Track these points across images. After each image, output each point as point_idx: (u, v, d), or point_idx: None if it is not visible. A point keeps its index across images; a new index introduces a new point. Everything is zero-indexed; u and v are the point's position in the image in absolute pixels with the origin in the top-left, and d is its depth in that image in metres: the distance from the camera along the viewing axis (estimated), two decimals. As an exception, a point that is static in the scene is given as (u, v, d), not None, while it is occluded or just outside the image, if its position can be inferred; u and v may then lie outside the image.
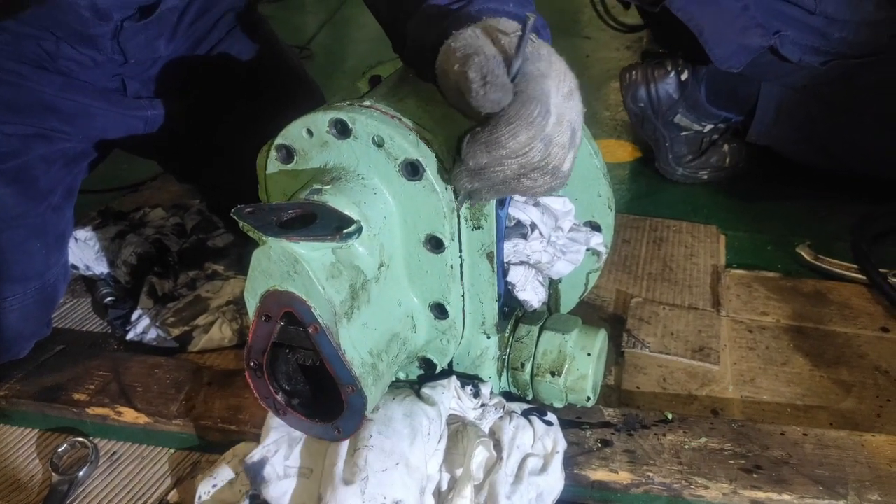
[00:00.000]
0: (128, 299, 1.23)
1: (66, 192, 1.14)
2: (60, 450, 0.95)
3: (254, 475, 0.79)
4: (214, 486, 0.86)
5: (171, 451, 0.96)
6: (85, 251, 1.29)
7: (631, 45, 2.49)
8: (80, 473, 0.92)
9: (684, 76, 1.56)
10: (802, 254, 1.30)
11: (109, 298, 1.24)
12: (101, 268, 1.29)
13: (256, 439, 0.91)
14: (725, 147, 1.61)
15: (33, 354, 1.08)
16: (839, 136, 1.49)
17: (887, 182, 1.43)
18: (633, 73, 1.61)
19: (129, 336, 1.16)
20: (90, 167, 1.23)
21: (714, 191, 1.58)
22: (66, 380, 1.03)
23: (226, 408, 0.96)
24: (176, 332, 1.14)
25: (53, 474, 0.92)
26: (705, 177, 1.62)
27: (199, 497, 0.85)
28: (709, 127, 1.60)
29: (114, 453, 0.97)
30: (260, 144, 0.83)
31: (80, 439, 0.96)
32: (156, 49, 1.17)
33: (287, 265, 0.67)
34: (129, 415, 0.97)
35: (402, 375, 0.89)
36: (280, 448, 0.81)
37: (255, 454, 0.80)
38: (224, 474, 0.87)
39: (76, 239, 1.30)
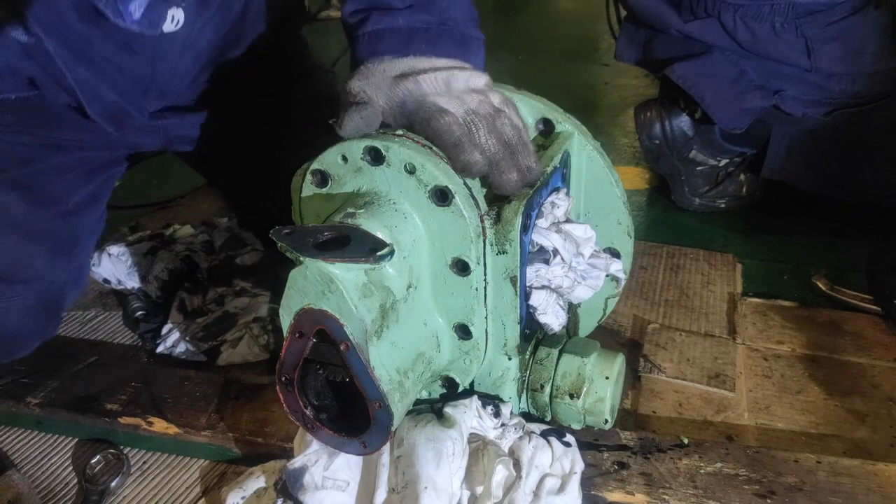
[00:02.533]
0: (158, 313, 1.27)
1: (85, 198, 1.14)
2: (93, 461, 0.98)
3: (293, 481, 0.82)
4: (243, 497, 0.89)
5: (200, 461, 0.99)
6: (117, 266, 1.34)
7: (649, 73, 2.52)
8: (113, 484, 0.95)
9: (698, 114, 1.60)
10: (818, 284, 1.32)
11: (140, 312, 1.28)
12: (132, 282, 1.33)
13: (283, 453, 0.94)
14: (742, 176, 1.64)
15: (67, 365, 1.12)
16: (851, 172, 1.51)
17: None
18: (648, 111, 1.65)
19: (160, 349, 1.20)
20: (117, 175, 1.23)
21: (731, 220, 1.61)
22: (98, 390, 1.07)
23: (253, 421, 0.99)
24: (204, 346, 1.17)
25: (86, 483, 0.95)
26: (723, 205, 1.64)
27: None
28: (724, 161, 1.63)
29: (144, 462, 1.00)
30: (289, 165, 0.87)
31: (112, 450, 1.00)
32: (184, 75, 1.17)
33: (322, 285, 0.71)
34: (159, 425, 1.00)
35: (424, 394, 0.92)
36: (320, 458, 0.83)
37: (297, 461, 0.83)
38: (253, 486, 0.90)
39: (109, 254, 1.35)
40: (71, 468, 1.00)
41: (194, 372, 1.11)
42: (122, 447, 1.01)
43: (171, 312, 1.25)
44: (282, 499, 0.83)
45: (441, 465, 0.80)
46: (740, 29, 1.44)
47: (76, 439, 1.04)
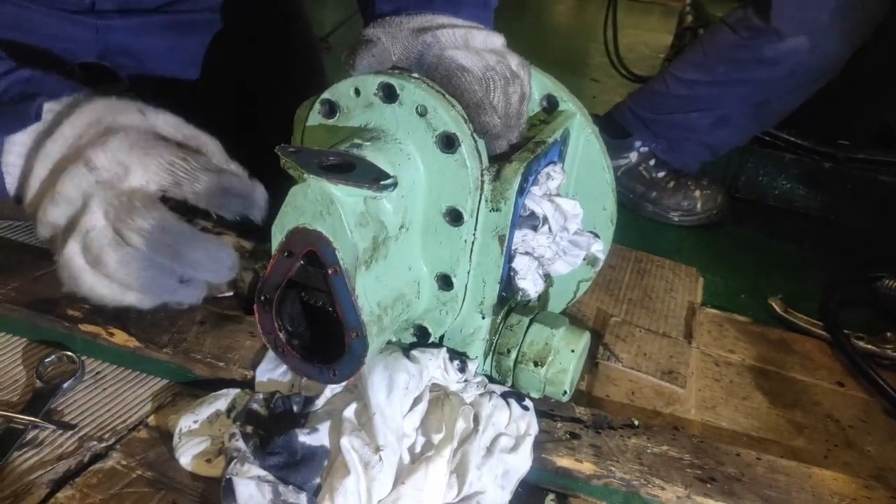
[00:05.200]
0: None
1: None
2: (47, 360, 0.97)
3: None
4: (196, 421, 0.89)
5: (157, 380, 0.98)
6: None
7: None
8: (65, 385, 0.94)
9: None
10: (774, 305, 1.37)
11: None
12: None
13: (244, 380, 0.94)
14: (697, 192, 1.70)
15: (30, 269, 1.10)
16: None
17: (865, 249, 1.54)
18: None
19: (126, 269, 1.18)
20: None
21: (699, 237, 1.67)
22: (60, 296, 1.04)
23: (216, 346, 0.99)
24: (174, 271, 1.16)
25: (38, 381, 0.93)
26: (675, 219, 1.71)
27: (180, 430, 0.87)
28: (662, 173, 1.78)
29: (98, 372, 0.99)
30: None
31: (68, 353, 0.98)
32: None
33: (321, 205, 0.71)
34: (120, 337, 0.99)
35: (394, 339, 0.93)
36: None
37: None
38: (206, 411, 0.90)
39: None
40: (21, 366, 0.98)
41: (161, 294, 1.10)
42: (78, 354, 0.99)
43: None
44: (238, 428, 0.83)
45: (392, 397, 0.81)
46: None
47: (31, 341, 1.02)
